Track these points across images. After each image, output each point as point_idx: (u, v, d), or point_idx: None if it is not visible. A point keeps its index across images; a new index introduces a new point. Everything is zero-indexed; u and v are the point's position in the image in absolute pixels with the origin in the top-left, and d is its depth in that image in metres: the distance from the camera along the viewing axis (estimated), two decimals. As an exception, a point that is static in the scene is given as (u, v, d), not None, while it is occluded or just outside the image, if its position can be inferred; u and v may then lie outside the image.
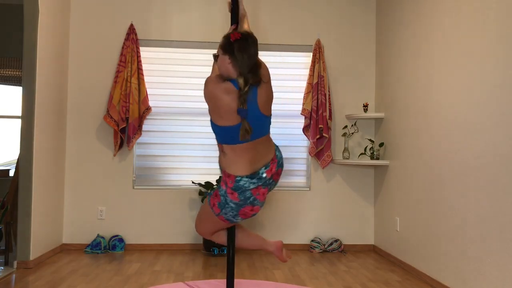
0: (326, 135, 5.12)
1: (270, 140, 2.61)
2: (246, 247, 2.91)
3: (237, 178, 2.49)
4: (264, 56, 5.21)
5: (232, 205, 2.53)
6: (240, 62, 2.39)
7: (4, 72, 6.12)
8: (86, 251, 4.92)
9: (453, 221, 3.65)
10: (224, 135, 2.49)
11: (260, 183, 2.52)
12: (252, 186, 2.50)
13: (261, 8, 5.33)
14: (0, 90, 6.29)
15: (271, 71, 5.84)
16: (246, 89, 2.37)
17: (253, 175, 2.50)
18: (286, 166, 5.34)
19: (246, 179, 2.49)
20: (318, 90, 5.17)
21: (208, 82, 2.44)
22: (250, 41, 2.44)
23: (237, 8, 2.77)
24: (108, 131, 5.13)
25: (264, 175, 2.52)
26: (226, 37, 2.46)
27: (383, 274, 4.31)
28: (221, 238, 2.84)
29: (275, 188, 5.21)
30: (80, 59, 5.15)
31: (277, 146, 2.67)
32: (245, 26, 2.77)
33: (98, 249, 4.90)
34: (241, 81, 2.38)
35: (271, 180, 2.58)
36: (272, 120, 5.57)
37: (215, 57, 2.49)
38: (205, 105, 2.71)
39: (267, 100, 2.51)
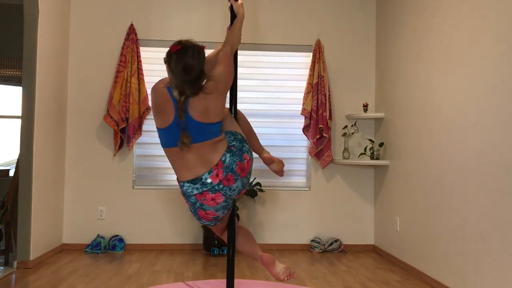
0: (326, 135, 5.12)
1: (217, 145, 2.44)
2: (243, 252, 2.80)
3: (181, 184, 2.50)
4: (264, 56, 5.32)
5: (190, 209, 2.58)
6: (175, 74, 2.38)
7: (4, 72, 6.11)
8: (86, 251, 4.92)
9: (453, 221, 3.65)
10: (160, 136, 2.51)
11: (205, 189, 2.43)
12: (195, 192, 2.45)
13: (261, 8, 5.33)
14: (0, 90, 6.29)
15: (271, 71, 5.84)
16: (182, 99, 2.35)
17: (196, 180, 2.43)
18: (286, 166, 5.31)
19: (189, 184, 2.45)
20: (318, 90, 5.17)
21: (155, 83, 2.46)
22: (190, 53, 2.38)
23: (232, 9, 2.78)
24: (108, 131, 5.12)
25: (209, 180, 2.41)
26: (170, 47, 2.45)
27: (383, 274, 4.31)
28: None
29: (275, 188, 5.25)
30: (80, 59, 5.15)
31: (234, 151, 2.46)
32: (234, 28, 2.70)
33: (98, 249, 4.90)
34: (175, 93, 2.36)
35: (221, 186, 2.43)
36: (272, 120, 5.55)
37: (164, 62, 2.49)
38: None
39: (205, 109, 2.39)
